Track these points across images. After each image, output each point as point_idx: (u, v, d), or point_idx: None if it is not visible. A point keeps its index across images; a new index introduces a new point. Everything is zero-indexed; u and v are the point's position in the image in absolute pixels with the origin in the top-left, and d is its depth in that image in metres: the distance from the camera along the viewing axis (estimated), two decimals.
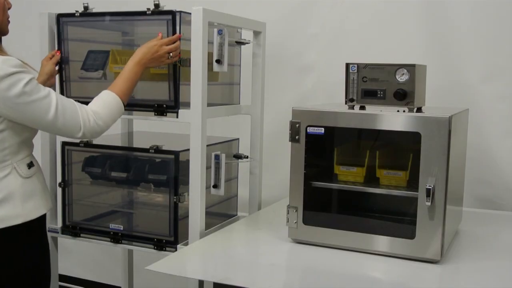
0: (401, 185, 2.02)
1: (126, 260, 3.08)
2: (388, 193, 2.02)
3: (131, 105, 2.29)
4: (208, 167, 2.25)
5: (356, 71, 1.97)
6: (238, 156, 2.52)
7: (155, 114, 2.22)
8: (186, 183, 2.19)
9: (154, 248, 2.28)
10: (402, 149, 2.06)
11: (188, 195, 2.19)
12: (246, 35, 2.53)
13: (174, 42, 2.12)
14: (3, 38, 1.96)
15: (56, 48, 2.41)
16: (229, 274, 1.76)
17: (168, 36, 2.14)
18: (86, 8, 2.37)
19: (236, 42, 2.48)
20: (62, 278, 3.21)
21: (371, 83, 1.95)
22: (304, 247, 2.00)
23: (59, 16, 2.40)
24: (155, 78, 2.26)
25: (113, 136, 2.72)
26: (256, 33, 2.54)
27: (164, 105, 2.19)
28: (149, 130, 2.96)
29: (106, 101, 1.95)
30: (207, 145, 2.20)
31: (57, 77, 2.41)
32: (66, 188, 2.47)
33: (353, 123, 1.94)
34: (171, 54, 2.11)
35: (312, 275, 1.79)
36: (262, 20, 2.56)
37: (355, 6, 2.78)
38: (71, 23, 2.43)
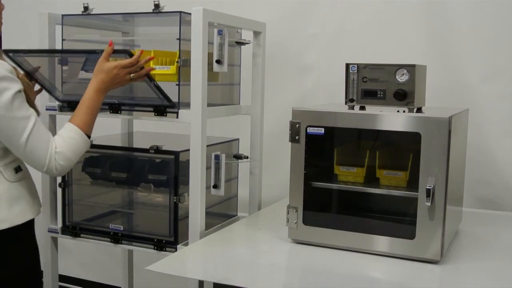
0: (401, 185, 2.02)
1: (126, 260, 3.08)
2: (388, 193, 2.02)
3: (131, 105, 2.29)
4: (208, 167, 2.25)
5: (356, 71, 1.97)
6: (238, 156, 2.52)
7: (155, 114, 2.21)
8: (186, 183, 2.19)
9: (154, 248, 2.28)
10: (402, 149, 2.06)
11: (188, 195, 2.19)
12: (246, 35, 2.53)
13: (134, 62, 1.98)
14: (3, 38, 1.95)
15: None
16: (229, 274, 1.76)
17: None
18: (86, 8, 2.37)
19: (236, 42, 2.48)
20: (62, 278, 3.21)
21: (371, 83, 1.95)
22: (304, 247, 2.00)
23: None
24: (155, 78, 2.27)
25: (113, 136, 2.72)
26: (256, 33, 2.54)
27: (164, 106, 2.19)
28: (149, 130, 2.97)
29: (69, 138, 1.85)
30: (207, 145, 2.20)
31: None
32: (66, 188, 2.47)
33: (353, 123, 1.94)
34: (132, 74, 1.99)
35: (312, 275, 1.79)
36: (262, 20, 2.56)
37: (355, 6, 2.78)
38: (72, 23, 2.44)
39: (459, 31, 2.59)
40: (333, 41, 2.84)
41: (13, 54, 2.10)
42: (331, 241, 1.97)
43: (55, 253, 2.56)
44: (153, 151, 2.28)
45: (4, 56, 1.95)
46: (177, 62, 2.17)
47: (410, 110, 1.90)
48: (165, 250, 2.26)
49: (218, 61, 2.24)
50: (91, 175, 2.45)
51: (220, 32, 2.23)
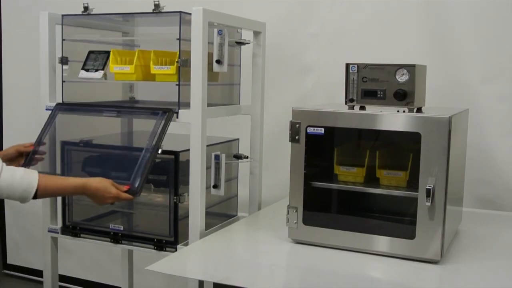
0: (401, 185, 2.02)
1: (126, 260, 3.08)
2: (388, 193, 2.02)
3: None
4: (208, 167, 2.25)
5: (356, 71, 1.97)
6: (238, 156, 2.52)
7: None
8: (186, 183, 2.19)
9: (154, 248, 2.28)
10: (402, 149, 2.06)
11: (188, 195, 2.19)
12: (246, 35, 2.53)
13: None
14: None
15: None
16: (229, 274, 1.76)
17: None
18: (86, 8, 2.37)
19: (236, 42, 2.48)
20: (62, 278, 3.21)
21: (371, 83, 1.95)
22: (304, 247, 2.00)
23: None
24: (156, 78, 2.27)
25: (113, 136, 2.72)
26: (256, 33, 2.54)
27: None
28: (149, 130, 2.96)
29: (20, 177, 1.82)
30: (207, 145, 2.20)
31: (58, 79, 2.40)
32: None
33: (353, 123, 1.94)
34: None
35: (312, 275, 1.79)
36: (262, 20, 2.56)
37: (355, 6, 2.78)
38: (72, 23, 2.44)
39: (459, 31, 2.59)
40: (333, 41, 2.84)
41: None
42: (331, 241, 1.97)
43: (55, 253, 2.56)
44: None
45: None
46: (177, 62, 2.17)
47: (410, 110, 1.90)
48: (165, 250, 2.26)
49: (218, 61, 2.24)
50: (91, 174, 2.44)
51: (220, 32, 2.23)
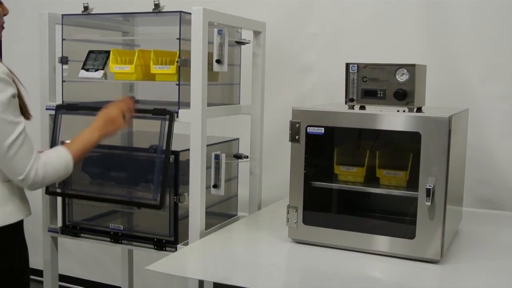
0: (401, 185, 2.02)
1: (126, 260, 3.08)
2: (388, 193, 2.02)
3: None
4: (208, 167, 2.25)
5: (356, 71, 1.97)
6: (238, 156, 2.52)
7: None
8: (186, 183, 2.19)
9: (154, 248, 2.28)
10: (402, 149, 2.06)
11: (188, 195, 2.19)
12: (246, 35, 2.53)
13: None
14: (4, 37, 1.95)
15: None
16: (229, 274, 1.76)
17: None
18: (86, 8, 2.37)
19: (236, 42, 2.48)
20: (62, 278, 3.21)
21: (371, 83, 1.95)
22: (304, 247, 2.00)
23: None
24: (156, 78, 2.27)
25: (113, 137, 2.71)
26: (256, 33, 2.54)
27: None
28: (149, 130, 2.96)
29: (56, 156, 1.84)
30: (207, 145, 2.20)
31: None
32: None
33: (353, 123, 1.94)
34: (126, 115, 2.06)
35: (312, 275, 1.79)
36: (262, 20, 2.56)
37: (355, 6, 2.78)
38: (72, 23, 2.44)
39: (459, 31, 2.59)
40: (333, 41, 2.84)
41: None
42: (331, 241, 1.97)
43: (55, 253, 2.56)
44: (152, 151, 2.28)
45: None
46: (177, 62, 2.17)
47: (410, 110, 1.90)
48: (165, 250, 2.26)
49: (218, 61, 2.24)
50: (91, 174, 2.44)
51: (220, 32, 2.23)
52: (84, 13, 2.38)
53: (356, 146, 2.19)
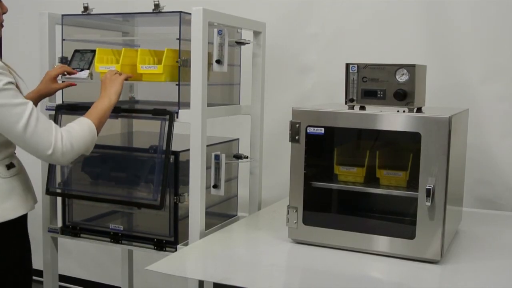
0: (401, 185, 2.02)
1: (126, 260, 3.08)
2: (388, 193, 2.02)
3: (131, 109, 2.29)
4: (208, 167, 2.25)
5: (356, 71, 1.97)
6: (238, 156, 2.52)
7: None
8: (186, 183, 2.19)
9: (154, 248, 2.28)
10: (402, 149, 2.06)
11: (188, 195, 2.19)
12: (246, 35, 2.53)
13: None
14: (4, 38, 1.95)
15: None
16: (229, 274, 1.76)
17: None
18: (86, 8, 2.37)
19: (236, 42, 2.48)
20: (62, 278, 3.21)
21: (371, 83, 1.95)
22: (304, 247, 2.00)
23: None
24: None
25: (113, 136, 2.72)
26: (256, 33, 2.54)
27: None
28: (149, 130, 2.96)
29: (79, 124, 1.86)
30: (207, 145, 2.20)
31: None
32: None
33: (353, 123, 1.94)
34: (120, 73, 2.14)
35: (312, 275, 1.79)
36: (262, 20, 2.56)
37: (355, 6, 2.78)
38: (72, 23, 2.43)
39: (459, 31, 2.59)
40: (333, 41, 2.84)
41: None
42: (331, 241, 1.97)
43: (55, 253, 2.56)
44: (152, 151, 2.28)
45: None
46: (177, 62, 2.17)
47: (410, 110, 1.90)
48: (165, 250, 2.26)
49: (218, 61, 2.24)
50: (91, 174, 2.44)
51: (220, 32, 2.23)
52: (84, 13, 2.38)
53: (356, 146, 2.19)
